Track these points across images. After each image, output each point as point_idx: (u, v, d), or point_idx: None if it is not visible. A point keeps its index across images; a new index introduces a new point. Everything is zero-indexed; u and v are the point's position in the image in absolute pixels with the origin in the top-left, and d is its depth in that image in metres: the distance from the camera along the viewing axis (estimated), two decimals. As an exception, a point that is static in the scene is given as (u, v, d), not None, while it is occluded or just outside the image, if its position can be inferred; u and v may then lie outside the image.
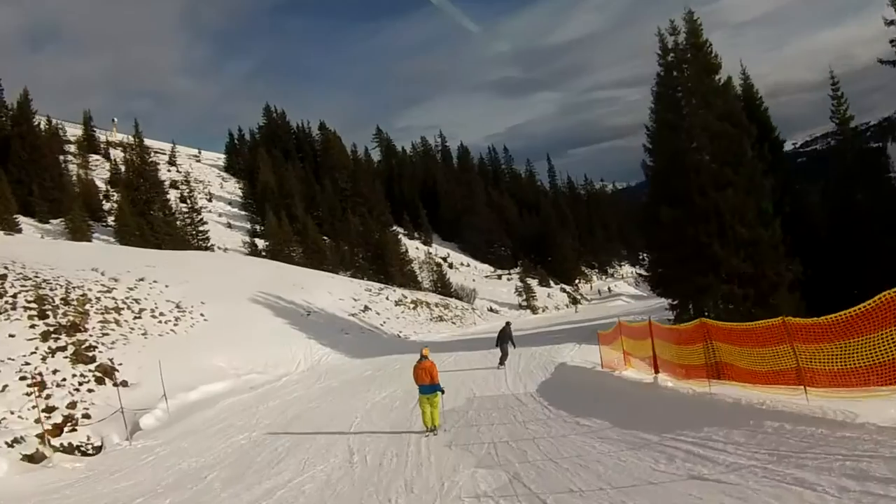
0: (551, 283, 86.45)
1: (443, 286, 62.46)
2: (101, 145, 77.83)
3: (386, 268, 58.94)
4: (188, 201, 57.08)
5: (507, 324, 24.00)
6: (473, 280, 74.69)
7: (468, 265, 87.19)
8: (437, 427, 11.98)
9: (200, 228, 54.46)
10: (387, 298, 44.15)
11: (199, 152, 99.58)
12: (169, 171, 77.98)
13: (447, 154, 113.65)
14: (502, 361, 20.89)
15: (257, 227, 66.11)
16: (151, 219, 49.12)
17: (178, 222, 52.94)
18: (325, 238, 67.04)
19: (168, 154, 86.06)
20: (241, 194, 79.11)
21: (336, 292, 40.69)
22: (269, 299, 34.79)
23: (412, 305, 45.15)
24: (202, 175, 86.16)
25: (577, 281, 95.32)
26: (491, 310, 61.55)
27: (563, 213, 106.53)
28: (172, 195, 59.02)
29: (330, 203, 74.90)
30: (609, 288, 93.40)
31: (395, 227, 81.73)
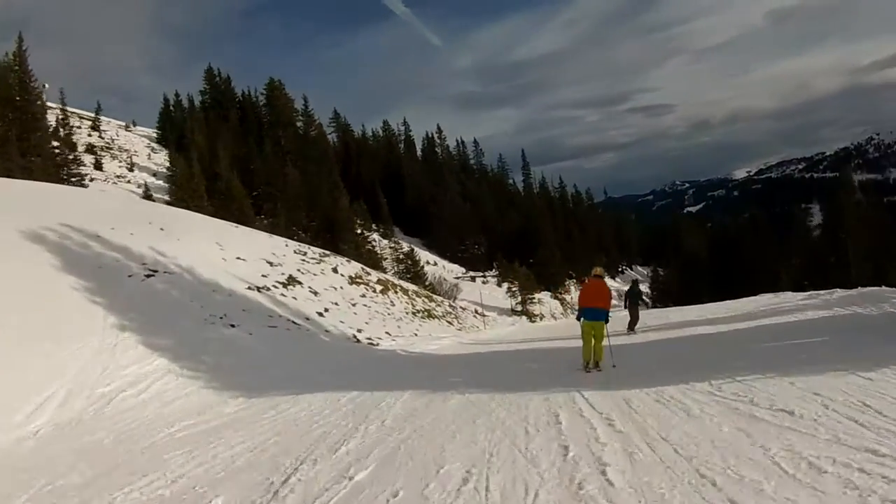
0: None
1: (416, 277, 42.92)
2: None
3: (336, 242, 39.07)
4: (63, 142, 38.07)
5: (635, 282, 19.61)
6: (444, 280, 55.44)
7: (435, 264, 68.27)
8: (599, 363, 9.51)
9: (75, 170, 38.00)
10: (334, 270, 24.32)
11: (134, 124, 79.13)
12: (90, 136, 62.38)
13: (410, 143, 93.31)
14: (632, 326, 16.80)
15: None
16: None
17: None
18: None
19: (92, 121, 68.02)
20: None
21: (232, 248, 20.67)
22: (72, 240, 14.82)
23: (379, 288, 25.26)
24: (130, 145, 67.07)
25: (562, 286, 77.18)
26: (477, 313, 42.57)
27: (545, 210, 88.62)
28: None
29: (269, 165, 54.35)
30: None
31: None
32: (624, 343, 12.77)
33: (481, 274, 70.03)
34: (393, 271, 46.40)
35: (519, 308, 48.78)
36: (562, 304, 62.54)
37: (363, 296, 23.11)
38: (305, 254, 24.87)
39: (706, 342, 12.78)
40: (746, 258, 52.29)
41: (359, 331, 18.29)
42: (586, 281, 10.43)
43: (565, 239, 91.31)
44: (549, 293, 65.05)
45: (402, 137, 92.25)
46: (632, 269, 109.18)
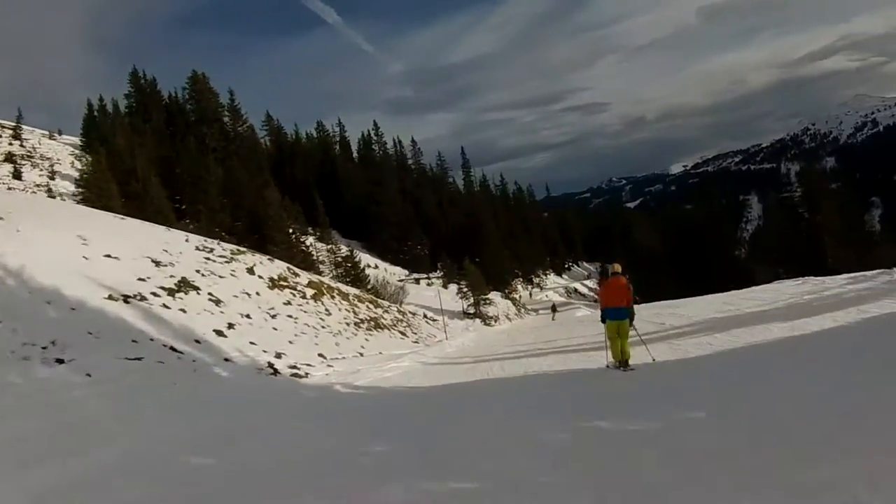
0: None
1: (358, 281, 37.15)
2: None
3: (265, 244, 32.88)
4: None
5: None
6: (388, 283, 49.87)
7: (376, 267, 62.65)
8: (629, 360, 8.73)
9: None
10: (249, 271, 18.22)
11: (59, 132, 70.61)
12: (11, 144, 56.96)
13: (346, 145, 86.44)
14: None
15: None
16: None
17: None
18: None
19: (13, 129, 61.03)
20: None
21: (102, 242, 14.52)
22: None
23: (310, 292, 19.32)
24: (53, 153, 59.95)
25: (510, 286, 72.66)
26: (428, 318, 37.14)
27: (488, 208, 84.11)
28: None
29: (193, 164, 47.19)
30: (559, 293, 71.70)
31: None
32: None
33: (425, 275, 65.17)
34: (331, 276, 40.61)
35: (471, 310, 43.52)
36: (514, 303, 57.75)
37: (288, 303, 17.21)
38: (212, 250, 18.77)
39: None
40: (708, 249, 48.70)
41: (278, 356, 12.46)
42: (605, 280, 9.87)
43: (509, 237, 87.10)
44: (499, 293, 60.21)
45: (338, 139, 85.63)
46: (578, 266, 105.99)
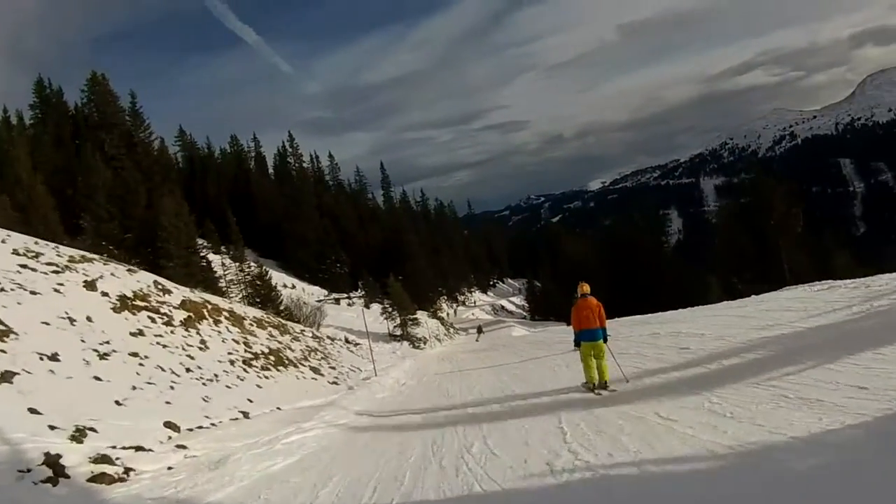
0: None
1: (268, 301, 31.24)
2: None
3: (157, 259, 26.52)
4: None
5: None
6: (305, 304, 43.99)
7: (293, 287, 56.63)
8: (607, 382, 8.44)
9: None
10: (88, 286, 12.21)
11: None
12: None
13: (262, 160, 79.05)
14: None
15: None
16: None
17: None
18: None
19: None
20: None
21: None
22: None
23: (180, 316, 13.49)
24: None
25: (436, 304, 67.81)
26: (349, 342, 31.62)
27: (409, 223, 79.22)
28: None
29: (89, 172, 39.41)
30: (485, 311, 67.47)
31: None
32: None
33: (346, 295, 59.62)
34: (240, 296, 34.41)
35: (398, 332, 38.15)
36: (442, 322, 52.80)
37: (139, 333, 11.43)
38: (38, 256, 12.72)
39: None
40: (646, 261, 45.33)
41: (78, 434, 6.80)
42: (579, 300, 8.99)
43: (433, 253, 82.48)
44: (425, 312, 55.15)
45: (253, 154, 78.18)
46: (503, 283, 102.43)
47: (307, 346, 17.87)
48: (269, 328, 18.18)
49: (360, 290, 60.70)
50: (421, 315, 50.93)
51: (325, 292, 60.46)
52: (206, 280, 28.57)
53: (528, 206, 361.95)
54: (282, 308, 30.08)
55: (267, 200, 67.02)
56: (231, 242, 59.45)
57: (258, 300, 31.07)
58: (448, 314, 72.54)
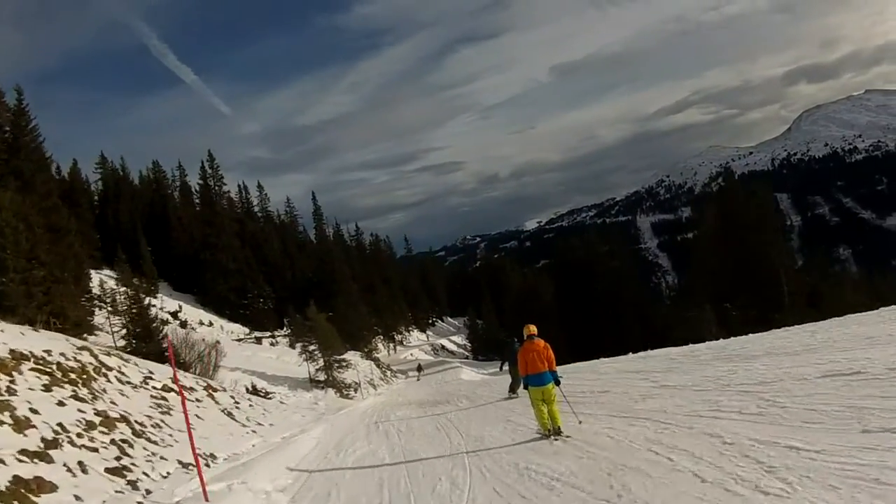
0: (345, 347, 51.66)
1: (148, 337, 23.61)
2: None
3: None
4: None
5: (514, 340, 17.15)
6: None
7: (210, 324, 49.12)
8: (560, 427, 7.82)
9: None
10: None
11: None
12: None
13: (187, 189, 69.24)
14: (513, 389, 13.99)
15: None
16: None
17: None
18: None
19: None
20: None
21: None
22: None
23: None
24: None
25: (370, 344, 60.42)
26: (256, 391, 24.39)
27: (342, 256, 71.94)
28: None
29: None
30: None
31: (99, 271, 41.89)
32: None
33: (269, 334, 52.16)
34: (119, 327, 26.52)
35: (322, 377, 30.77)
36: (377, 364, 45.55)
37: None
38: None
39: None
40: (606, 294, 39.78)
41: None
42: (526, 342, 8.42)
43: (367, 290, 75.25)
44: (358, 353, 47.90)
45: (178, 184, 68.42)
46: (443, 321, 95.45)
47: (120, 413, 10.55)
48: (109, 374, 11.08)
49: (285, 329, 53.34)
50: (352, 356, 43.68)
51: (247, 330, 52.64)
52: (55, 302, 20.72)
53: (464, 247, 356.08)
54: (163, 347, 22.48)
55: (186, 227, 59.01)
56: (143, 274, 51.51)
57: (134, 338, 23.42)
58: (386, 354, 65.35)
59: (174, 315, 46.06)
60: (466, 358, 68.18)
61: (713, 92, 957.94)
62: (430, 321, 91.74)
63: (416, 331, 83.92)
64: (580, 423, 7.91)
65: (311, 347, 30.36)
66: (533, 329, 8.47)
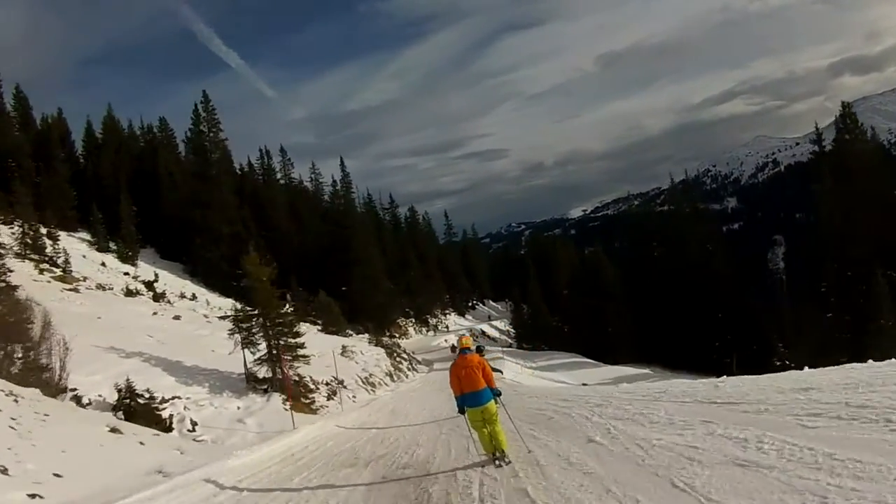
0: (350, 330, 39.50)
1: None
2: None
3: None
4: None
5: (479, 348, 10.31)
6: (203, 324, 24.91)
7: (193, 297, 37.51)
8: (504, 451, 6.50)
9: None
10: None
11: None
12: None
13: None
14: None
15: None
16: None
17: None
18: None
19: None
20: None
21: None
22: None
23: None
24: None
25: (394, 325, 48.18)
26: (131, 399, 11.76)
27: (370, 224, 59.86)
28: None
29: None
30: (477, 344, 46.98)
31: (71, 234, 36.52)
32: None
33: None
34: None
35: (265, 373, 18.17)
36: (388, 353, 32.73)
37: None
38: None
39: None
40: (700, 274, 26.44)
41: None
42: (458, 357, 6.89)
43: (400, 266, 62.85)
44: (368, 337, 35.42)
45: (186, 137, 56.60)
46: (484, 304, 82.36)
47: None
48: None
49: (288, 306, 41.35)
50: (359, 340, 31.15)
51: (239, 304, 41.01)
52: None
53: (509, 234, 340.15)
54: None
55: (179, 186, 47.74)
56: (120, 237, 40.75)
57: None
58: (418, 339, 53.19)
59: (148, 285, 34.84)
60: (510, 346, 55.09)
61: (758, 83, 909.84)
62: (470, 304, 78.78)
63: (453, 314, 71.14)
64: (529, 451, 6.56)
65: (248, 315, 17.80)
66: (467, 341, 7.16)
